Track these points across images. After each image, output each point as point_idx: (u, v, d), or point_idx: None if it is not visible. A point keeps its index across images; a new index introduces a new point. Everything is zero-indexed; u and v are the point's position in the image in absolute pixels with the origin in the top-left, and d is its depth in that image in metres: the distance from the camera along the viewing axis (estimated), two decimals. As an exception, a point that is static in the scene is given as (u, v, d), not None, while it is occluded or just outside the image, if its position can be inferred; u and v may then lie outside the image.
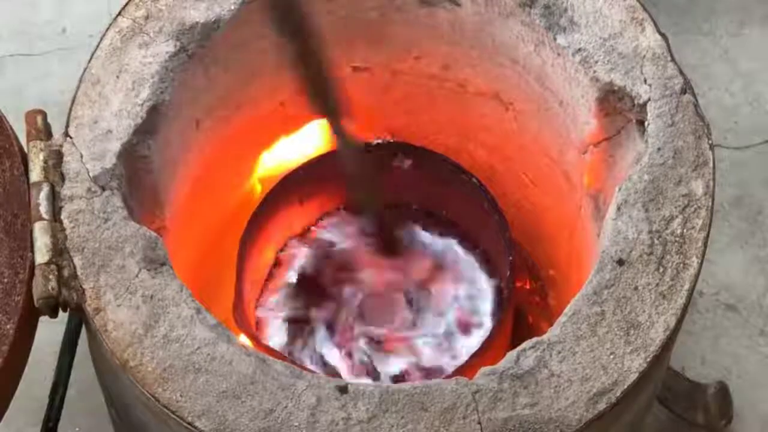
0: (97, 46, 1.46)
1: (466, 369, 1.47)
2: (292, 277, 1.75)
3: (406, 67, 1.69)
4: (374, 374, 1.66)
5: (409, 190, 1.77)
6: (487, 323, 1.70)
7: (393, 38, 1.64)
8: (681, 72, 1.43)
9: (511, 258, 1.61)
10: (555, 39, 1.47)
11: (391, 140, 1.74)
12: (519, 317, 1.78)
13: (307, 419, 1.26)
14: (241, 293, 1.61)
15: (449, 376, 1.40)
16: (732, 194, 2.05)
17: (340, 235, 1.78)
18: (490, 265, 1.74)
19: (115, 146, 1.40)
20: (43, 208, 1.36)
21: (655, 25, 1.46)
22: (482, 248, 1.75)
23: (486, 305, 1.72)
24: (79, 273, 1.34)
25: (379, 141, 1.73)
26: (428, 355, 1.68)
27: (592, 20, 1.46)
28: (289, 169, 1.71)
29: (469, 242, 1.77)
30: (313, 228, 1.79)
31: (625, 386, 1.28)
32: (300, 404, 1.27)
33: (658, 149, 1.39)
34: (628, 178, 1.38)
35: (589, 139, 1.50)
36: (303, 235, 1.78)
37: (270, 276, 1.76)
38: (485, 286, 1.73)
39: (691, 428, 1.79)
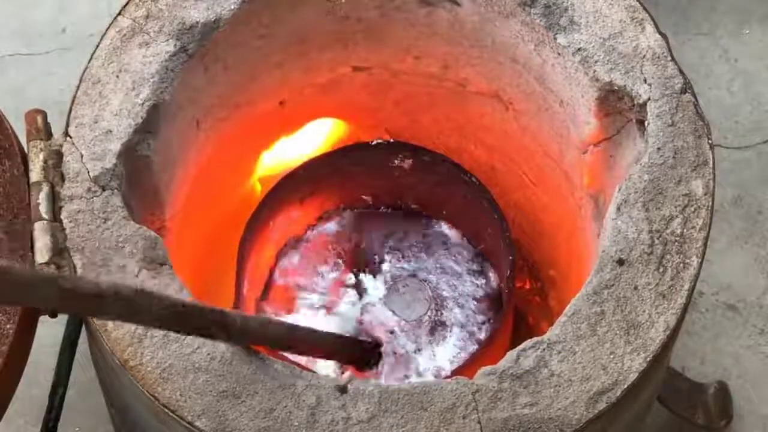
0: (97, 45, 1.46)
1: (466, 369, 1.47)
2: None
3: (405, 66, 1.69)
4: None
5: (409, 190, 1.77)
6: (487, 323, 1.70)
7: (393, 38, 1.64)
8: (681, 72, 1.43)
9: (511, 258, 1.61)
10: (555, 38, 1.47)
11: (391, 140, 1.74)
12: (519, 317, 1.78)
13: (306, 419, 1.26)
14: (240, 292, 1.61)
15: (449, 377, 1.40)
16: (732, 194, 2.05)
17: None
18: (490, 265, 1.75)
19: (116, 146, 1.40)
20: (43, 208, 1.36)
21: (655, 24, 1.46)
22: (482, 248, 1.75)
23: (486, 305, 1.73)
24: (79, 273, 1.34)
25: (380, 141, 1.73)
26: (427, 351, 1.69)
27: (592, 20, 1.46)
28: (289, 169, 1.71)
29: (469, 242, 1.77)
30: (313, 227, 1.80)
31: (625, 386, 1.28)
32: (300, 404, 1.27)
33: (658, 149, 1.39)
34: (628, 178, 1.38)
35: (589, 139, 1.50)
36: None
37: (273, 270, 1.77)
38: (485, 285, 1.73)
39: (691, 428, 1.79)
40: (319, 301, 1.73)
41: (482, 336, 1.68)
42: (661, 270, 1.34)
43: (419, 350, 1.68)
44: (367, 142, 1.72)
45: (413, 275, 1.74)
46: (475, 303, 1.73)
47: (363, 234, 1.79)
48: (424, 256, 1.76)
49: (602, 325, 1.31)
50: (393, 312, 1.71)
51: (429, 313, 1.71)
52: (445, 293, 1.73)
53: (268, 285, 1.76)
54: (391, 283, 1.74)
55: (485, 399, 1.27)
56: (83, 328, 1.48)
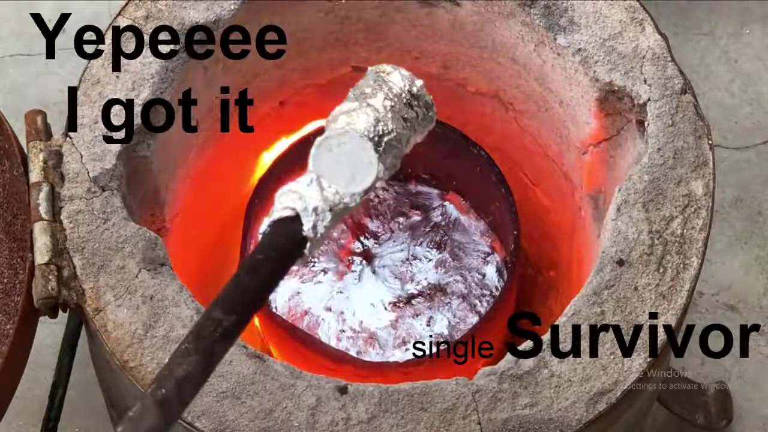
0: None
1: (471, 336, 1.49)
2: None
3: (405, 66, 1.68)
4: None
5: (420, 160, 1.76)
6: (492, 294, 1.71)
7: (393, 38, 1.64)
8: (681, 72, 1.43)
9: (516, 232, 1.61)
10: (555, 39, 1.47)
11: None
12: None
13: (306, 419, 1.26)
14: (246, 254, 1.59)
15: (453, 346, 1.44)
16: (732, 194, 2.05)
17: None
18: (496, 237, 1.75)
19: (115, 146, 1.40)
20: (43, 209, 1.36)
21: (655, 25, 1.46)
22: (489, 220, 1.76)
23: (491, 276, 1.73)
24: (78, 273, 1.34)
25: None
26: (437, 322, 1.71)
27: (592, 20, 1.46)
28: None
29: (476, 213, 1.77)
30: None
31: (625, 386, 1.28)
32: (300, 404, 1.27)
33: (658, 149, 1.39)
34: (628, 178, 1.38)
35: (589, 139, 1.50)
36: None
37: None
38: (490, 257, 1.74)
39: (691, 428, 1.79)
40: (327, 266, 1.73)
41: (485, 307, 1.69)
42: (661, 270, 1.34)
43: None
44: None
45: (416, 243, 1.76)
46: (480, 274, 1.73)
47: (372, 202, 1.79)
48: (432, 226, 1.76)
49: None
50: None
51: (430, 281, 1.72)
52: (449, 262, 1.74)
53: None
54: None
55: (485, 399, 1.27)
56: (83, 328, 1.48)
